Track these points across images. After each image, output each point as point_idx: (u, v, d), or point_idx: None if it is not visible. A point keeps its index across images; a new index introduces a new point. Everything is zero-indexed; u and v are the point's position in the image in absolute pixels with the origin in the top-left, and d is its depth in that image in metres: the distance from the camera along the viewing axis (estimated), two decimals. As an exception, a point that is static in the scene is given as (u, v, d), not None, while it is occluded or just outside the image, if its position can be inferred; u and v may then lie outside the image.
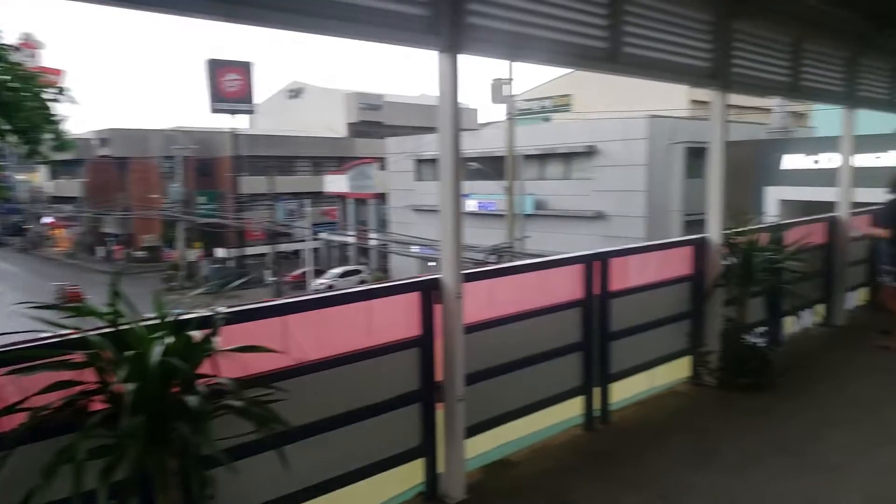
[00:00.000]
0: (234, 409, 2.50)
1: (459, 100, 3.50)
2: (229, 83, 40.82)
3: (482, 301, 3.93)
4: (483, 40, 3.55)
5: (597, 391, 4.67)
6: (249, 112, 43.69)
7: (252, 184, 41.47)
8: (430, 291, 3.57)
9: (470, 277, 3.73)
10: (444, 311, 3.55)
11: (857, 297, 8.22)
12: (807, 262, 6.24)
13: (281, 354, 2.90)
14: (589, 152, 27.88)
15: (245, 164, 41.75)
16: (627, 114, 27.85)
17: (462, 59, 3.42)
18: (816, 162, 22.55)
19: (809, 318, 7.26)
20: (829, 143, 26.23)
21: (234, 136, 41.61)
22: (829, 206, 7.77)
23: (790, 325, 6.85)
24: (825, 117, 27.80)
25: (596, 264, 4.59)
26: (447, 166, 3.45)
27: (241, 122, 44.96)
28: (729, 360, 5.42)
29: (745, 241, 5.59)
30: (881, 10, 6.42)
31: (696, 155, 23.85)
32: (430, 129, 29.14)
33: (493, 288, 4.06)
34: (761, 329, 6.03)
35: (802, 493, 3.76)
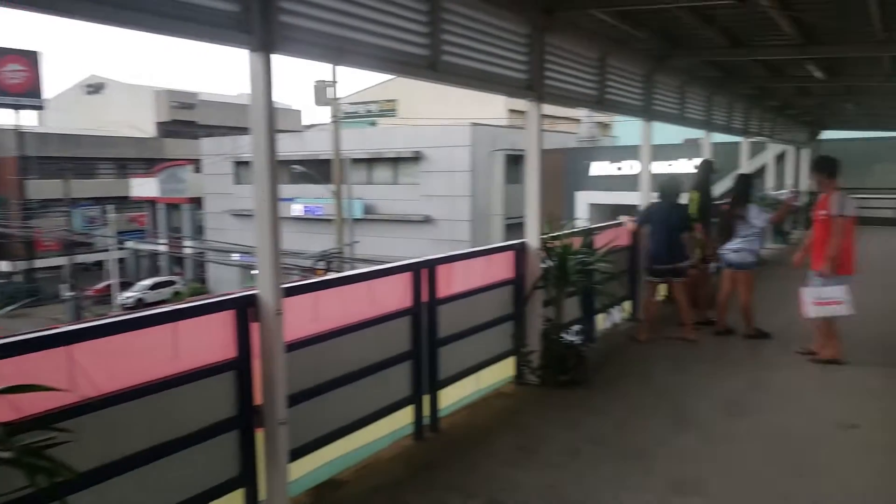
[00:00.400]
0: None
1: (275, 100, 3.29)
2: (11, 74, 36.23)
3: (306, 316, 3.73)
4: (298, 41, 3.36)
5: (426, 399, 4.64)
6: (38, 107, 39.09)
7: (43, 188, 37.01)
8: (246, 309, 3.30)
9: (291, 291, 3.52)
10: (262, 330, 3.31)
11: (659, 293, 9.04)
12: (614, 263, 6.73)
13: (64, 391, 2.50)
14: (416, 158, 28.31)
15: (34, 166, 37.22)
16: (452, 121, 28.65)
17: (277, 59, 3.21)
18: (619, 169, 24.73)
19: (618, 314, 7.84)
20: (630, 152, 28.81)
21: (19, 134, 36.96)
22: (632, 209, 8.48)
23: (602, 322, 7.35)
24: (626, 128, 30.59)
25: (423, 272, 4.56)
26: (262, 173, 3.21)
27: (27, 119, 40.18)
28: (549, 358, 5.66)
29: (560, 245, 5.88)
30: (672, 34, 7.11)
31: (515, 162, 25.16)
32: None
33: (318, 301, 3.87)
34: (577, 327, 6.39)
35: (616, 481, 3.98)
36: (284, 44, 3.24)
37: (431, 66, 4.33)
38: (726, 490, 3.87)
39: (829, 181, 6.04)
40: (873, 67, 8.58)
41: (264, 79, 3.15)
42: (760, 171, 19.19)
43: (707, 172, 7.72)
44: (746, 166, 12.76)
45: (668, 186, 7.06)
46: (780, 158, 18.00)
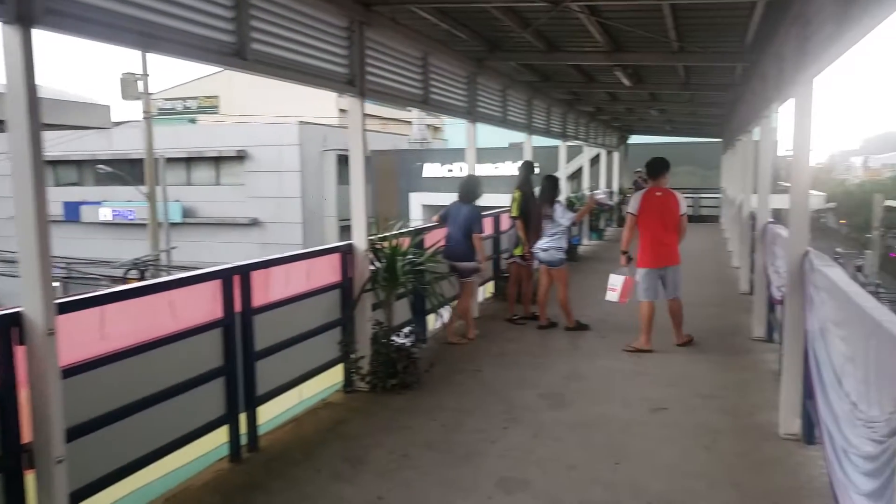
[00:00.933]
0: None
1: (40, 84, 2.78)
2: None
3: (90, 335, 3.24)
4: (66, 14, 2.87)
5: (243, 417, 4.27)
6: None
7: None
8: (7, 329, 2.77)
9: (68, 307, 3.02)
10: (29, 354, 2.79)
11: (486, 290, 9.23)
12: (444, 263, 6.72)
13: None
14: (240, 157, 27.01)
15: None
16: (280, 119, 27.68)
17: (41, 35, 2.72)
18: (450, 171, 25.31)
19: (448, 313, 7.87)
20: (460, 154, 29.52)
21: None
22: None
23: (433, 322, 7.32)
24: (456, 131, 31.41)
25: (236, 279, 4.19)
26: (23, 169, 2.70)
27: None
28: (379, 363, 5.49)
29: (388, 246, 5.73)
30: (492, 36, 7.23)
31: (347, 162, 24.86)
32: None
33: (104, 317, 3.37)
34: (407, 329, 6.28)
35: (446, 484, 3.89)
36: (48, 17, 2.75)
37: (238, 54, 3.97)
38: (551, 484, 3.92)
39: (649, 180, 6.72)
40: (671, 76, 9.37)
41: (23, 58, 2.65)
42: (577, 173, 20.50)
43: (528, 173, 7.98)
44: (564, 168, 13.47)
45: (464, 186, 7.04)
46: (595, 161, 19.30)
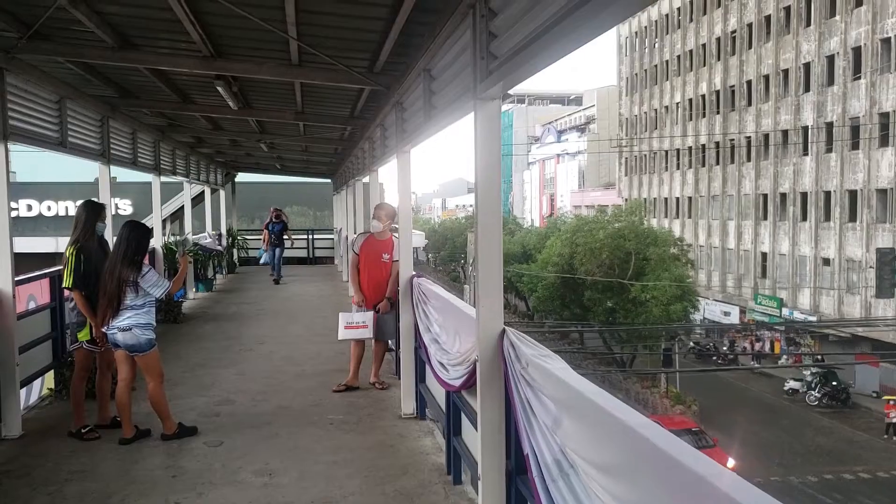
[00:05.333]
0: None
1: None
2: None
3: None
4: None
5: None
6: None
7: None
8: None
9: None
10: None
11: (44, 384, 6.45)
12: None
13: None
14: None
15: None
16: None
17: None
18: (16, 210, 20.14)
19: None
20: (27, 190, 23.93)
21: None
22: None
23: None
24: (25, 161, 25.47)
25: None
26: None
27: None
28: None
29: None
30: (125, 84, 6.85)
31: None
32: None
33: None
34: None
35: None
36: None
37: None
38: None
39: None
40: (285, 100, 7.96)
41: None
42: (180, 213, 17.89)
43: (92, 219, 5.37)
44: (159, 209, 11.02)
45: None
46: (199, 199, 17.01)
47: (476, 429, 3.77)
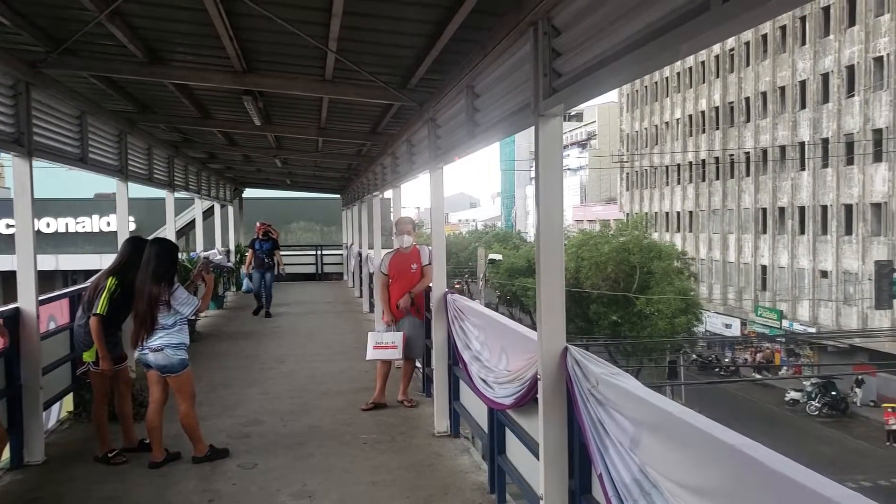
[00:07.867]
0: None
1: None
2: None
3: None
4: None
5: None
6: None
7: None
8: None
9: None
10: None
11: (63, 407, 6.33)
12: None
13: None
14: None
15: None
16: None
17: None
18: (8, 226, 19.95)
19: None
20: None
21: None
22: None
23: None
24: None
25: None
26: None
27: None
28: None
29: None
30: (145, 99, 6.74)
31: None
32: None
33: None
34: None
35: None
36: None
37: None
38: None
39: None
40: (310, 114, 7.92)
41: None
42: (188, 228, 17.81)
43: (134, 255, 5.09)
44: (172, 225, 10.93)
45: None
46: (209, 214, 16.94)
47: (526, 447, 3.70)
